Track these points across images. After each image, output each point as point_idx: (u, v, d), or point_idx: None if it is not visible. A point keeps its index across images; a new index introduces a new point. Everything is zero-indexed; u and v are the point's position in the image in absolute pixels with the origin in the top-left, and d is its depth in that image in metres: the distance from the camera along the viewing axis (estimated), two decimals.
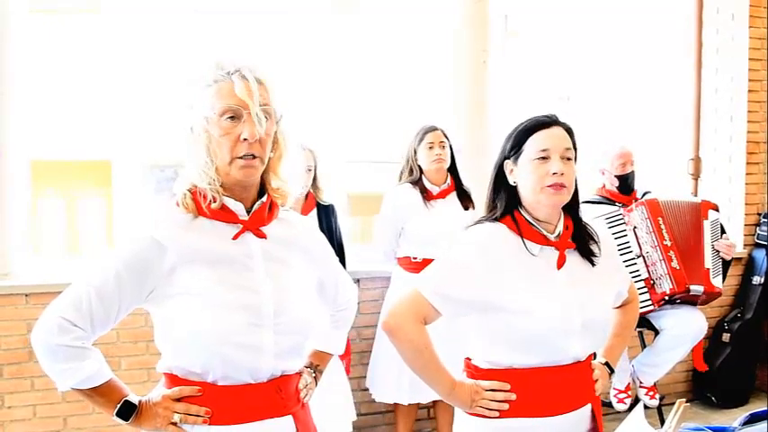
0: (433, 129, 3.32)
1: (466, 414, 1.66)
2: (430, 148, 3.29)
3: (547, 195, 1.60)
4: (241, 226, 1.43)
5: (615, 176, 3.53)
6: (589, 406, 1.67)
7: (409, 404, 3.37)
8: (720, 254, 3.40)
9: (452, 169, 3.39)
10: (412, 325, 1.61)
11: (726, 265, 3.45)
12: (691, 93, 4.55)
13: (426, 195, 3.32)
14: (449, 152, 3.35)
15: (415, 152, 3.34)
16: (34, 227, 3.91)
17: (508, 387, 1.60)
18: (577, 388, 1.64)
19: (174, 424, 1.39)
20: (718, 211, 3.48)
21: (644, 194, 3.54)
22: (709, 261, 3.34)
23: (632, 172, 3.51)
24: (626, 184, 3.52)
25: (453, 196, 3.37)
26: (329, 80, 3.94)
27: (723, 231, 3.48)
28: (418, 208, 3.31)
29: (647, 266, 3.29)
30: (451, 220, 3.21)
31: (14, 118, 3.35)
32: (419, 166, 3.34)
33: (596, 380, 1.71)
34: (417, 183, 3.35)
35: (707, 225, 3.39)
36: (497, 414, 1.60)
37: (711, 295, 3.37)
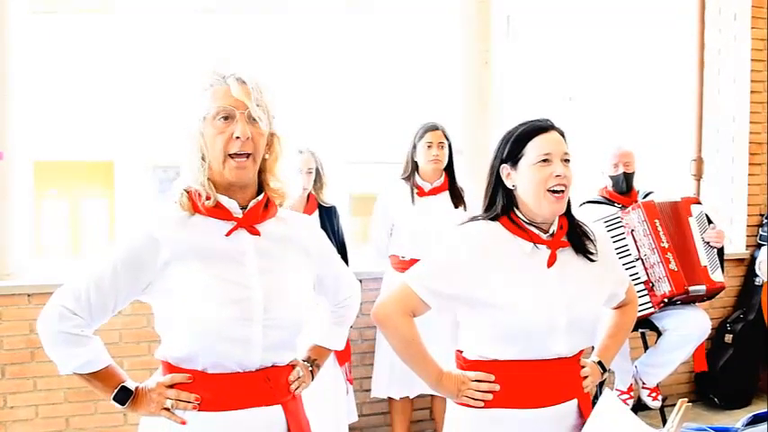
0: (434, 128, 3.31)
1: (454, 404, 1.73)
2: (428, 147, 3.29)
3: (548, 203, 1.64)
4: (235, 223, 1.48)
5: (608, 176, 3.53)
6: (575, 401, 1.70)
7: (402, 401, 3.37)
8: (711, 244, 3.38)
9: (449, 168, 3.38)
10: (400, 317, 1.68)
11: (720, 253, 3.43)
12: (693, 93, 4.54)
13: (417, 192, 3.32)
14: (447, 152, 3.34)
15: (414, 148, 3.33)
16: (37, 227, 3.92)
17: (492, 378, 1.65)
18: (562, 383, 1.68)
19: (167, 409, 1.45)
20: (700, 203, 3.47)
21: (646, 195, 3.53)
22: (704, 258, 3.33)
23: (624, 173, 3.49)
24: (618, 185, 3.51)
25: (445, 195, 3.35)
26: (331, 81, 3.95)
27: (710, 221, 3.47)
28: (407, 204, 3.31)
29: (645, 269, 3.29)
30: (440, 218, 3.20)
31: (18, 119, 3.35)
32: (415, 161, 3.34)
33: (585, 376, 1.74)
34: (409, 179, 3.35)
35: (693, 222, 3.38)
36: (482, 404, 1.66)
37: (715, 291, 3.36)
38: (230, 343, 1.43)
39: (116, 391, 1.48)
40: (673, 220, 3.37)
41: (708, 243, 3.37)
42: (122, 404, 1.48)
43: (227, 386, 1.45)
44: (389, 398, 3.42)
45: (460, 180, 3.42)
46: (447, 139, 3.34)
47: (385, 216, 3.37)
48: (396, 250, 3.35)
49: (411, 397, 3.37)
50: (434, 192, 3.34)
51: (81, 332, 1.44)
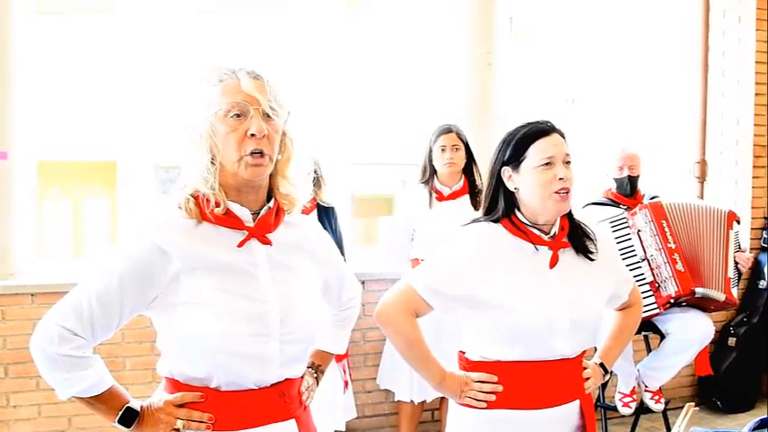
0: (448, 131, 3.28)
1: (457, 404, 1.73)
2: (442, 150, 3.26)
3: (554, 203, 1.65)
4: (246, 233, 1.39)
5: (613, 179, 3.53)
6: (577, 402, 1.71)
7: (413, 405, 3.36)
8: (738, 266, 3.40)
9: (468, 170, 3.34)
10: (403, 317, 1.68)
11: (739, 275, 3.45)
12: (697, 95, 4.53)
13: (437, 196, 3.30)
14: (463, 154, 3.30)
15: (431, 151, 3.31)
16: (40, 227, 3.93)
17: (495, 379, 1.65)
18: (565, 384, 1.68)
19: (177, 430, 1.37)
20: (739, 223, 3.47)
21: (651, 199, 3.53)
22: (731, 271, 3.34)
23: (628, 176, 3.48)
24: (622, 187, 3.50)
25: (466, 198, 3.32)
26: (332, 82, 3.95)
27: (738, 245, 3.47)
28: (425, 209, 3.29)
29: (651, 270, 3.28)
30: (459, 222, 3.16)
31: (21, 119, 3.36)
32: (433, 165, 3.32)
33: (587, 378, 1.74)
34: (428, 183, 3.33)
35: (732, 235, 3.38)
36: (485, 405, 1.66)
37: (728, 304, 3.37)
38: (247, 361, 1.35)
39: (120, 413, 1.37)
40: (702, 225, 3.34)
41: (736, 262, 3.38)
42: (128, 426, 1.37)
43: (242, 404, 1.37)
44: (399, 401, 3.42)
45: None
46: (463, 142, 3.30)
47: (406, 222, 3.36)
48: (417, 254, 3.31)
49: (428, 401, 3.36)
50: (453, 196, 3.30)
51: (83, 354, 1.33)
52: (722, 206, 3.50)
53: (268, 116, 1.36)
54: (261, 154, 1.34)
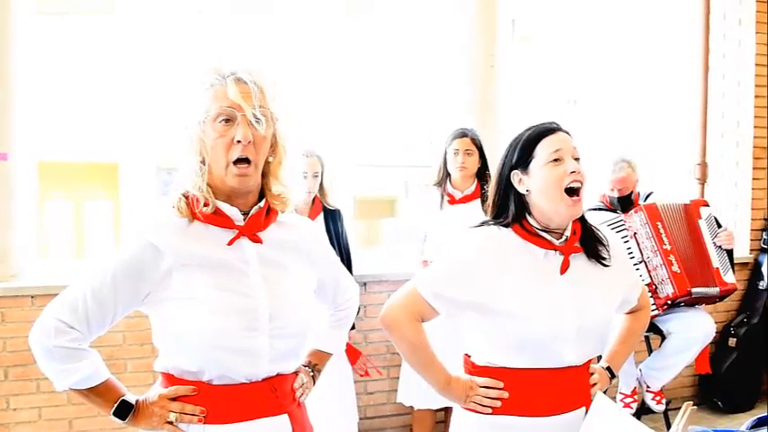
0: (462, 135, 3.28)
1: (461, 408, 1.70)
2: (455, 154, 3.27)
3: (566, 207, 1.61)
4: (237, 231, 1.43)
5: (606, 194, 3.53)
6: (584, 409, 1.68)
7: (422, 410, 3.36)
8: (723, 246, 3.39)
9: (482, 174, 3.32)
10: (408, 322, 1.65)
11: (730, 255, 3.43)
12: (697, 97, 4.54)
13: (449, 200, 3.31)
14: (476, 159, 3.29)
15: (446, 154, 3.32)
16: (41, 228, 3.92)
17: (501, 385, 1.63)
18: (572, 391, 1.65)
19: (170, 423, 1.41)
20: (708, 206, 3.48)
21: (647, 196, 3.54)
22: (716, 260, 3.34)
23: (617, 197, 3.48)
24: (613, 202, 3.51)
25: (477, 203, 3.28)
26: (338, 83, 3.95)
27: (718, 224, 3.47)
28: (435, 212, 3.30)
29: (649, 271, 3.29)
30: (469, 226, 3.16)
31: (22, 120, 3.36)
32: (446, 168, 3.33)
33: (594, 383, 1.72)
34: (441, 185, 3.33)
35: (703, 224, 3.38)
36: (490, 411, 1.64)
37: (727, 293, 3.37)
38: (236, 355, 1.38)
39: (116, 405, 1.42)
40: (681, 222, 3.37)
41: (719, 246, 3.38)
42: (123, 419, 1.43)
43: (233, 398, 1.41)
44: (402, 404, 3.43)
45: None
46: (477, 146, 3.29)
47: (417, 223, 3.40)
48: (428, 257, 3.32)
49: (434, 409, 3.35)
50: (465, 200, 3.30)
51: (78, 346, 1.38)
52: (681, 200, 3.50)
53: (255, 122, 1.39)
54: (246, 163, 1.39)
